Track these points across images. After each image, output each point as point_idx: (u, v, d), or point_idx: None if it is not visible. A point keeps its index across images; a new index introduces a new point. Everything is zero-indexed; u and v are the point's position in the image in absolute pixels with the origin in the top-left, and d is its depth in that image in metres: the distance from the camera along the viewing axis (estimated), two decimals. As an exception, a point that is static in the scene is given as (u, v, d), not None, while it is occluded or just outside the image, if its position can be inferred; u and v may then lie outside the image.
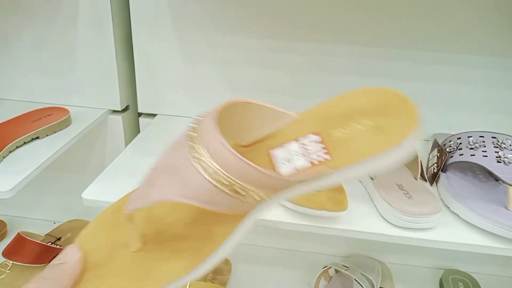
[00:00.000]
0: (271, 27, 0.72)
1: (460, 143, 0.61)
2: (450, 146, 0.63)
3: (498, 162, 0.56)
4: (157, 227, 0.36)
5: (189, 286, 0.72)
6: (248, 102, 0.36)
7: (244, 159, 0.30)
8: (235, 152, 0.30)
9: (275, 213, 0.53)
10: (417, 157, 0.61)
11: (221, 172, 0.29)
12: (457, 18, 0.68)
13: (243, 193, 0.30)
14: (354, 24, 0.70)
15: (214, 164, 0.29)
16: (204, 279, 0.79)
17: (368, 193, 0.59)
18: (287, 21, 0.71)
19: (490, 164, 0.56)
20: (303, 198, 0.52)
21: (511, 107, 0.76)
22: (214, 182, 0.29)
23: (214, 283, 0.77)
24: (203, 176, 0.30)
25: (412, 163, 0.62)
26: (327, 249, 0.92)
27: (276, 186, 0.32)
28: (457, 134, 0.63)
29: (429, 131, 0.77)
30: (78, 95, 0.80)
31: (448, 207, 0.57)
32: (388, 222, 0.53)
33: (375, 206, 0.56)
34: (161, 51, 0.76)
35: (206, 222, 0.35)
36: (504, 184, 0.54)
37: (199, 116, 0.34)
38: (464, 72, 0.73)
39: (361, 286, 0.77)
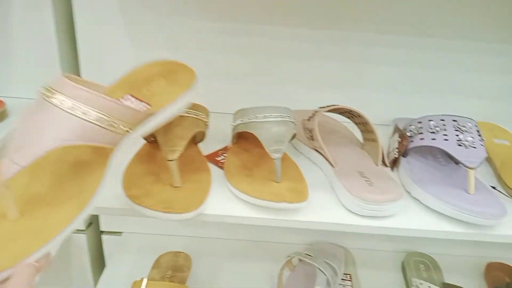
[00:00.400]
0: (227, 9, 0.67)
1: (421, 127, 0.60)
2: (411, 131, 0.61)
3: (459, 145, 0.55)
4: (31, 190, 0.39)
5: (146, 286, 0.67)
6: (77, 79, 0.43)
7: (113, 99, 0.39)
8: (106, 96, 0.38)
9: (234, 207, 0.49)
10: (378, 143, 0.59)
11: (99, 112, 0.37)
12: (412, 1, 0.67)
13: (115, 125, 0.39)
14: (312, 7, 0.67)
15: (91, 108, 0.37)
16: (163, 277, 0.75)
17: (330, 181, 0.57)
18: (242, 2, 0.67)
19: (451, 147, 0.55)
20: (262, 191, 0.48)
21: (472, 90, 0.76)
22: (95, 122, 0.37)
23: (173, 281, 0.73)
24: (83, 119, 0.37)
25: (373, 149, 0.60)
26: (290, 237, 0.90)
27: (136, 119, 0.42)
28: (418, 118, 0.61)
29: (390, 115, 0.76)
30: (15, 85, 0.72)
31: (409, 193, 0.56)
32: (350, 211, 0.51)
33: (336, 194, 0.54)
34: (106, 34, 0.69)
35: (75, 172, 0.42)
36: (464, 167, 0.54)
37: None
38: (424, 56, 0.72)
39: (324, 274, 0.76)
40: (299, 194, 0.49)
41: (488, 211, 0.49)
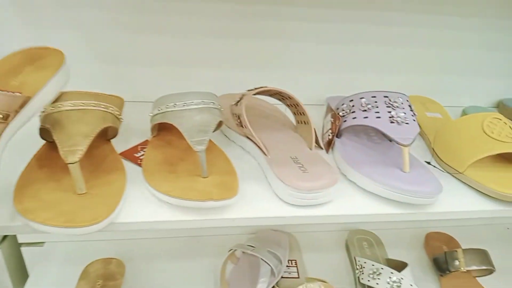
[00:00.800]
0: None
1: (353, 106, 0.57)
2: (343, 110, 0.58)
3: (392, 122, 0.53)
4: None
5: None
6: None
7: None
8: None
9: (155, 211, 0.43)
10: (310, 125, 0.55)
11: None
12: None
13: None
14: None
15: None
16: (93, 287, 0.68)
17: (263, 170, 0.52)
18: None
19: (384, 125, 0.53)
20: (185, 189, 0.43)
21: (403, 64, 0.74)
22: None
23: (103, 291, 0.66)
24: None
25: (306, 132, 0.56)
26: (231, 229, 0.85)
27: (9, 106, 0.39)
28: (349, 96, 0.58)
29: (323, 94, 0.73)
30: None
31: (345, 175, 0.53)
32: (284, 201, 0.47)
33: (270, 185, 0.49)
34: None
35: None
36: (398, 145, 0.52)
37: None
38: (354, 32, 0.69)
39: (268, 264, 0.72)
40: (228, 189, 0.44)
41: (424, 189, 0.48)
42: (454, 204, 0.50)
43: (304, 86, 0.71)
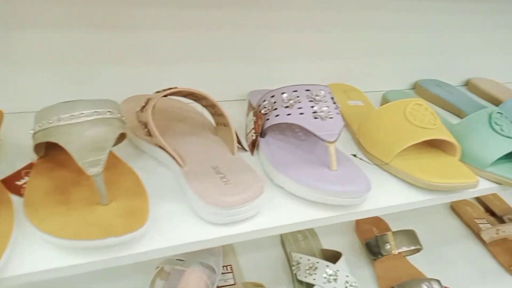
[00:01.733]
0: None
1: (275, 102, 0.51)
2: (265, 107, 0.53)
3: (315, 118, 0.48)
4: None
5: None
6: None
7: None
8: None
9: (48, 255, 0.34)
10: (230, 127, 0.49)
11: None
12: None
13: None
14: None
15: None
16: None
17: (179, 184, 0.45)
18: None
19: (308, 122, 0.48)
20: (79, 225, 0.34)
21: (322, 51, 0.71)
22: None
23: None
24: None
25: (227, 135, 0.50)
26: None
27: None
28: (270, 91, 0.53)
29: (246, 88, 0.67)
30: None
31: (272, 180, 0.48)
32: (206, 221, 0.40)
33: (189, 202, 0.43)
34: None
35: None
36: (324, 142, 0.48)
37: None
38: (270, 18, 0.63)
39: (204, 279, 0.66)
40: (135, 217, 0.36)
41: (353, 188, 0.44)
42: (383, 199, 0.48)
43: (224, 80, 0.65)
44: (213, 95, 0.49)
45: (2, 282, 0.33)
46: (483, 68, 0.88)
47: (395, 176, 0.52)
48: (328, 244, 0.83)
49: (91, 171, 0.36)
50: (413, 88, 0.82)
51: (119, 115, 0.42)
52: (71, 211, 0.36)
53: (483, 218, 0.98)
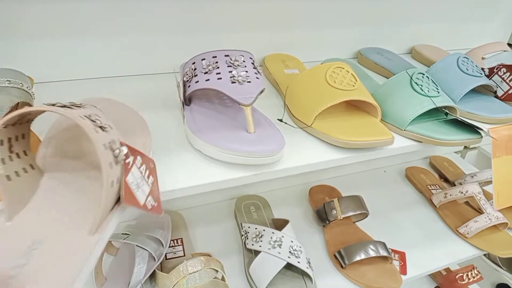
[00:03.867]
0: None
1: (195, 69, 0.51)
2: (187, 74, 0.52)
3: (233, 82, 0.48)
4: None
5: None
6: None
7: None
8: None
9: None
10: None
11: None
12: None
13: None
14: None
15: None
16: None
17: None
18: None
19: (225, 86, 0.47)
20: None
21: (262, 22, 0.69)
22: None
23: None
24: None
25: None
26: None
27: None
28: (192, 58, 0.52)
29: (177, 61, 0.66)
30: None
31: (192, 145, 0.48)
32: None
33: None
34: None
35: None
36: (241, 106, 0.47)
37: None
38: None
39: (145, 249, 0.66)
40: None
41: (266, 148, 0.44)
42: (302, 158, 0.48)
43: (154, 53, 0.64)
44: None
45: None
46: (428, 36, 0.87)
47: (317, 138, 0.51)
48: (282, 214, 0.83)
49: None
50: (356, 58, 0.81)
51: (21, 84, 0.41)
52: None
53: (436, 185, 0.99)
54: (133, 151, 0.34)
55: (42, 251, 0.31)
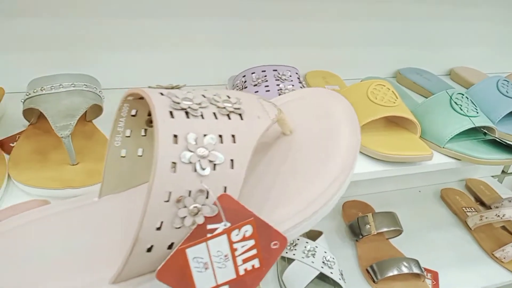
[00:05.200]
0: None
1: (245, 81, 0.54)
2: (237, 86, 0.56)
3: (280, 94, 0.51)
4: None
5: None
6: None
7: None
8: None
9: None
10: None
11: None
12: None
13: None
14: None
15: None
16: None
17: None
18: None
19: (273, 98, 0.51)
20: (47, 179, 0.38)
21: (304, 40, 0.73)
22: None
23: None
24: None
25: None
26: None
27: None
28: (243, 72, 0.56)
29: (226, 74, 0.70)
30: None
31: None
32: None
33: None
34: None
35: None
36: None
37: None
38: (247, 6, 0.66)
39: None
40: (94, 176, 0.40)
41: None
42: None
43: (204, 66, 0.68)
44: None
45: None
46: (467, 59, 0.88)
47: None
48: (314, 227, 0.84)
49: (61, 133, 0.40)
50: (395, 77, 0.83)
51: (95, 88, 0.46)
52: (44, 168, 0.40)
53: (472, 207, 0.97)
54: (236, 215, 0.22)
55: (75, 252, 0.26)
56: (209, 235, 0.21)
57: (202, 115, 0.23)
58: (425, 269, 0.78)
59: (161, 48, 0.65)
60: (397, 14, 0.77)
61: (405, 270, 0.72)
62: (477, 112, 0.56)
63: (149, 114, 0.28)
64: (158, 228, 0.20)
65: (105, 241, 0.27)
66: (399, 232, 0.82)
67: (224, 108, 0.24)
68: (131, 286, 0.23)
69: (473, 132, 0.56)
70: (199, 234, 0.21)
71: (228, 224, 0.22)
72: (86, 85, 0.44)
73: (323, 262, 0.69)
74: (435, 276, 0.78)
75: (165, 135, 0.21)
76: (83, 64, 0.62)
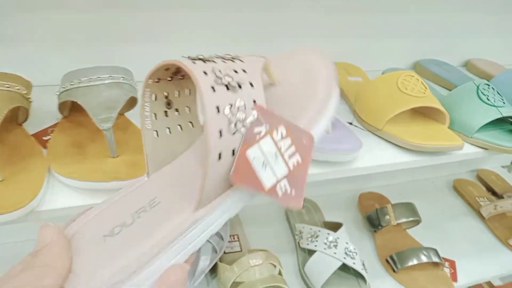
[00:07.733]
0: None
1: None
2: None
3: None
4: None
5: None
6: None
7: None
8: None
9: (71, 196, 0.38)
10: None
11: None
12: None
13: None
14: None
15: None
16: None
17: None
18: None
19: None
20: (90, 171, 0.38)
21: (326, 32, 0.72)
22: None
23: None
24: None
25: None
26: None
27: None
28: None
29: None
30: None
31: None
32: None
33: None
34: None
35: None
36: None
37: None
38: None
39: (209, 242, 0.69)
40: (137, 167, 0.39)
41: (344, 147, 0.46)
42: (376, 159, 0.50)
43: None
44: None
45: (38, 215, 0.36)
46: (483, 50, 0.88)
47: (387, 141, 0.53)
48: (331, 218, 0.85)
49: (103, 126, 0.39)
50: (414, 68, 0.83)
51: (131, 81, 0.45)
52: (85, 161, 0.40)
53: (484, 197, 0.98)
54: (270, 118, 0.27)
55: (148, 216, 0.28)
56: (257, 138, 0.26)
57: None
58: (443, 258, 0.79)
59: (183, 41, 0.64)
60: (414, 5, 0.76)
61: (424, 259, 0.73)
62: (504, 102, 0.56)
63: (166, 97, 0.31)
64: (220, 136, 0.24)
65: (167, 203, 0.29)
66: (417, 222, 0.82)
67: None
68: (212, 209, 0.27)
69: (499, 123, 0.56)
70: (251, 138, 0.26)
71: (268, 126, 0.27)
72: (123, 77, 0.44)
73: (345, 253, 0.69)
74: (452, 264, 0.79)
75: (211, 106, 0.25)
76: (103, 58, 0.62)
